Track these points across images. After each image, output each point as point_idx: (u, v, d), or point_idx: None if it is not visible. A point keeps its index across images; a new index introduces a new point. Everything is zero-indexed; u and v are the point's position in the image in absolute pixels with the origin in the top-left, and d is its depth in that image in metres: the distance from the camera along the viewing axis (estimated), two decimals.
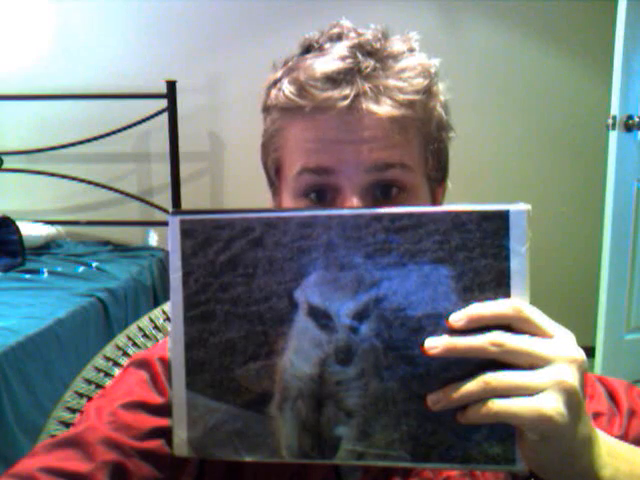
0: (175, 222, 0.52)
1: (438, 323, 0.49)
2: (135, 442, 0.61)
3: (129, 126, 3.06)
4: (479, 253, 0.49)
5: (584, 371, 0.49)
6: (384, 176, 0.64)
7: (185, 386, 0.53)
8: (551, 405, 0.46)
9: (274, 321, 0.51)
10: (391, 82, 0.64)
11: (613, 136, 2.52)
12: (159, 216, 3.16)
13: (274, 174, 0.70)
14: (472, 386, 0.48)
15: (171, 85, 2.97)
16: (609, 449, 0.52)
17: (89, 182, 3.13)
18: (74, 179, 3.12)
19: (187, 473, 0.64)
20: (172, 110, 2.98)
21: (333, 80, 0.63)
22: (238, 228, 0.51)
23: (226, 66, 3.13)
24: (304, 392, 0.51)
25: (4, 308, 2.17)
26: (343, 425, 0.51)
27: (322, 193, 0.65)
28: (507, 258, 0.49)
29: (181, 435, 0.53)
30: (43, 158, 3.13)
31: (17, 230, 2.71)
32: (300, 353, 0.50)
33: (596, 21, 2.97)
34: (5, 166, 3.07)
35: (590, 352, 2.61)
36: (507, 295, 0.49)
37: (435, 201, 0.70)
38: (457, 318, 0.48)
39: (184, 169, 3.10)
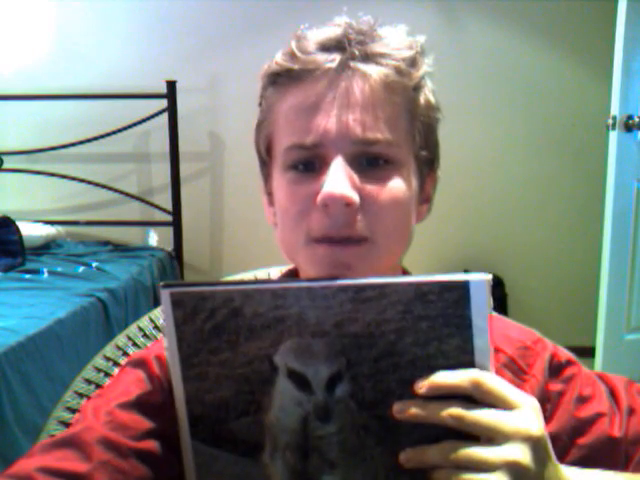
0: (166, 294, 0.55)
1: (405, 387, 0.52)
2: (132, 442, 0.61)
3: (129, 126, 3.06)
4: (441, 323, 0.51)
5: (541, 446, 0.52)
6: (371, 149, 0.64)
7: (189, 436, 0.58)
8: None
9: (258, 382, 0.55)
10: (379, 49, 0.65)
11: (613, 136, 2.52)
12: (159, 216, 3.16)
13: (265, 152, 0.71)
14: (435, 453, 0.51)
15: (171, 85, 2.97)
16: None
17: (89, 182, 3.13)
18: (74, 179, 3.12)
19: (183, 473, 0.64)
20: (172, 110, 2.98)
21: (323, 46, 0.65)
22: (219, 299, 0.54)
23: (226, 66, 3.13)
24: (291, 444, 0.56)
25: (4, 308, 2.17)
26: (328, 474, 0.55)
27: (310, 164, 0.65)
28: (469, 326, 0.51)
29: (190, 475, 0.59)
30: (43, 158, 3.13)
31: (17, 230, 2.71)
32: (283, 410, 0.55)
33: (596, 21, 2.97)
34: (5, 166, 3.07)
35: (590, 352, 2.61)
36: (471, 362, 0.52)
37: (424, 188, 0.71)
38: (420, 386, 0.52)
39: (184, 169, 3.10)
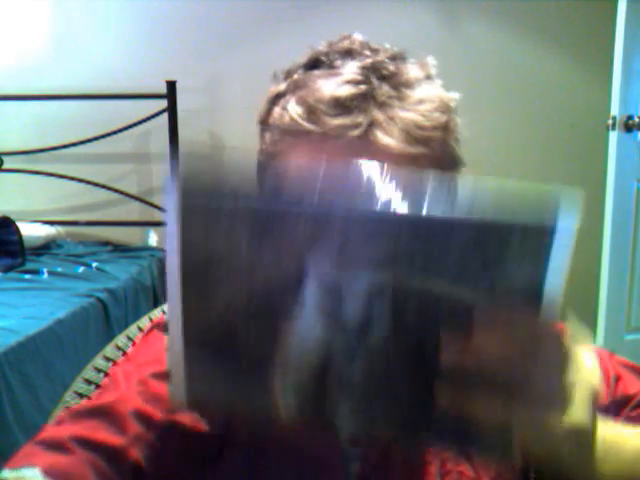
0: (174, 170, 0.47)
1: (457, 316, 0.46)
2: (165, 415, 0.60)
3: (129, 126, 3.05)
4: (515, 267, 0.46)
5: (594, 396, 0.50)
6: None
7: (182, 342, 0.49)
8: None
9: (282, 287, 0.47)
10: (407, 114, 0.59)
11: (613, 136, 2.52)
12: (159, 216, 3.16)
13: None
14: (484, 406, 0.46)
15: (171, 85, 2.96)
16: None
17: (89, 182, 3.13)
18: (74, 179, 3.12)
19: (211, 445, 0.63)
20: (172, 110, 2.98)
21: (345, 106, 0.58)
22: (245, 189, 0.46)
23: (226, 66, 3.13)
24: (307, 362, 0.48)
25: (4, 308, 2.17)
26: (345, 391, 0.48)
27: None
28: (545, 266, 0.46)
29: (178, 385, 0.50)
30: (43, 158, 3.13)
31: (17, 230, 2.71)
32: (306, 321, 0.47)
33: (596, 21, 2.97)
34: (5, 166, 3.07)
35: None
36: (537, 311, 0.46)
37: None
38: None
39: None
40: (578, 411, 0.48)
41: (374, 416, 0.49)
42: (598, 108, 2.84)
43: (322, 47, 0.65)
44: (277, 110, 0.63)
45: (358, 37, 0.65)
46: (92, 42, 3.16)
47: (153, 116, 3.02)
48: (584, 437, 0.48)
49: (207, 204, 0.47)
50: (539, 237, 0.45)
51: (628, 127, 2.51)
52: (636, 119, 2.51)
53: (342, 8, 2.96)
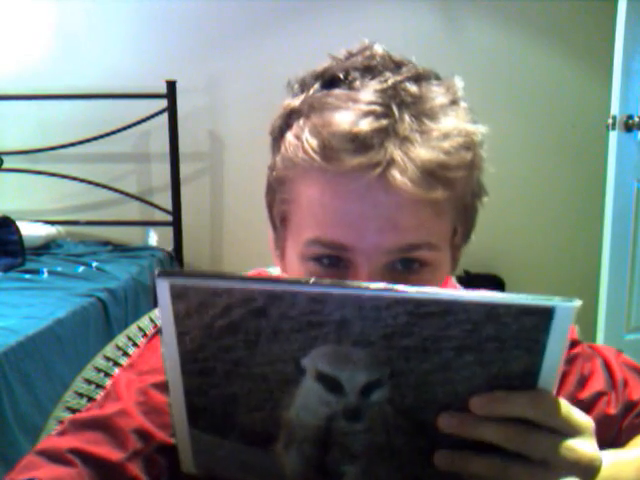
0: (164, 286, 0.46)
1: (453, 400, 0.47)
2: (165, 432, 0.60)
3: (129, 126, 3.05)
4: (512, 345, 0.45)
5: (593, 475, 0.49)
6: (407, 255, 0.57)
7: (187, 424, 0.51)
8: None
9: (278, 382, 0.48)
10: (430, 154, 0.54)
11: (613, 136, 2.52)
12: (159, 216, 3.16)
13: (280, 222, 0.63)
14: (484, 465, 0.47)
15: (171, 85, 2.96)
16: None
17: (89, 182, 3.13)
18: (74, 179, 3.12)
19: None
20: (172, 110, 2.98)
21: (363, 143, 0.54)
22: (237, 297, 0.46)
23: (226, 66, 3.12)
24: (310, 438, 0.50)
25: (4, 308, 2.17)
26: (348, 464, 0.50)
27: (335, 261, 0.58)
28: (541, 352, 0.45)
29: (187, 457, 0.53)
30: (43, 158, 3.13)
31: (17, 230, 2.70)
32: (307, 409, 0.48)
33: (596, 21, 2.97)
34: (5, 166, 3.07)
35: None
36: (533, 386, 0.47)
37: (454, 259, 0.64)
38: (479, 405, 0.46)
39: (184, 169, 3.10)
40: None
41: (378, 477, 0.51)
42: (598, 108, 2.84)
43: (340, 58, 0.61)
44: (290, 137, 0.59)
45: (379, 50, 0.61)
46: (92, 42, 3.16)
47: (153, 116, 3.02)
48: None
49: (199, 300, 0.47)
50: (537, 319, 0.44)
51: (628, 127, 2.51)
52: (636, 119, 2.50)
53: (342, 8, 2.96)
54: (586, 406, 0.68)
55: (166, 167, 3.05)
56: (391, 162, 0.54)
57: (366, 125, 0.54)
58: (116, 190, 3.15)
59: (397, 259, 0.57)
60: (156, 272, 0.46)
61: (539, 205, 3.15)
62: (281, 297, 0.45)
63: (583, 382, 0.70)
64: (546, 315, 0.44)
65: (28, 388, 1.93)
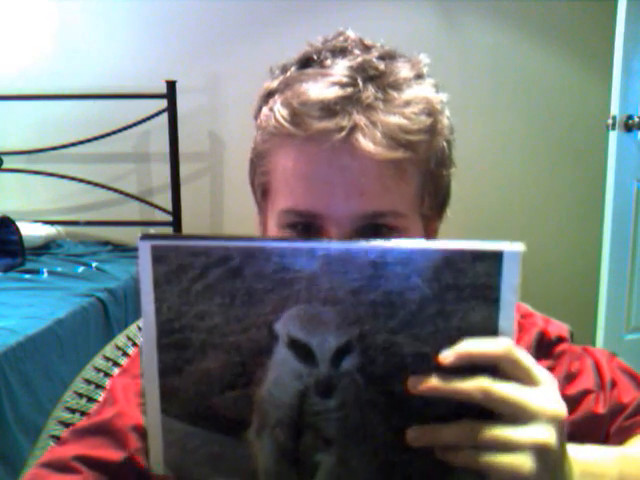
0: (146, 247, 0.48)
1: (423, 361, 0.48)
2: None
3: (129, 126, 3.05)
4: (469, 293, 0.48)
5: (564, 427, 0.49)
6: (374, 221, 0.61)
7: (160, 411, 0.51)
8: (528, 466, 0.46)
9: (252, 352, 0.49)
10: (391, 118, 0.59)
11: (613, 136, 2.52)
12: (159, 216, 3.16)
13: (260, 196, 0.68)
14: (453, 432, 0.48)
15: (171, 85, 2.96)
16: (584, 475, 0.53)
17: (89, 182, 3.13)
18: (74, 179, 3.12)
19: None
20: (172, 110, 2.98)
21: (329, 109, 0.58)
22: (215, 256, 0.48)
23: (226, 66, 3.13)
24: (283, 421, 0.50)
25: (4, 308, 2.17)
26: (322, 452, 0.50)
27: (307, 228, 0.62)
28: (497, 300, 0.48)
29: (156, 454, 0.52)
30: (43, 158, 3.13)
31: (17, 230, 2.71)
32: (279, 384, 0.49)
33: (596, 21, 2.97)
34: (5, 166, 3.07)
35: None
36: (495, 336, 0.48)
37: (428, 235, 0.67)
38: (446, 355, 0.47)
39: (184, 169, 3.10)
40: (544, 429, 0.47)
41: (353, 467, 0.50)
42: (598, 108, 2.84)
43: (317, 43, 0.66)
44: (265, 110, 0.64)
45: (351, 34, 0.65)
46: (92, 42, 3.16)
47: (153, 116, 3.02)
48: (552, 457, 0.48)
49: (177, 269, 0.48)
50: (488, 264, 0.48)
51: (628, 127, 2.51)
52: (636, 119, 2.51)
53: (342, 9, 2.96)
54: (572, 402, 0.68)
55: (166, 167, 3.05)
56: (355, 127, 0.58)
57: (332, 93, 0.59)
58: (116, 190, 3.15)
59: (365, 225, 0.60)
60: (139, 235, 0.48)
61: (539, 205, 3.15)
62: (255, 255, 0.48)
63: (570, 379, 0.70)
64: (496, 260, 0.47)
65: (28, 388, 1.93)
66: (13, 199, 3.21)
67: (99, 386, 0.88)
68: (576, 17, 3.02)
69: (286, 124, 0.60)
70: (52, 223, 3.08)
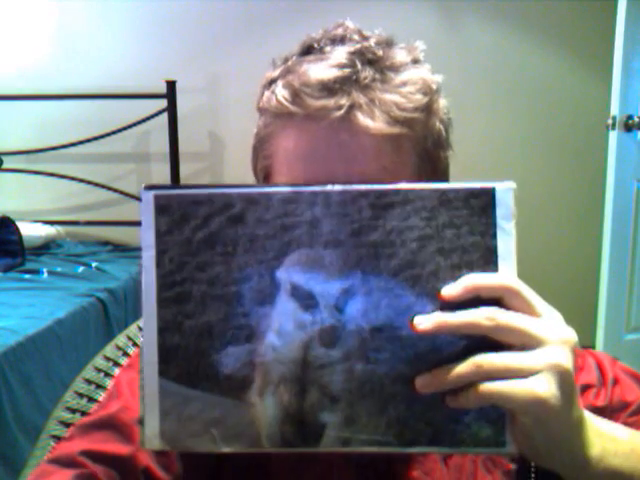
0: (149, 197, 0.49)
1: (427, 301, 0.48)
2: None
3: (129, 126, 3.06)
4: (467, 230, 0.49)
5: (574, 351, 0.49)
6: None
7: (158, 374, 0.49)
8: (545, 388, 0.46)
9: (255, 302, 0.49)
10: (388, 96, 0.61)
11: (613, 136, 2.52)
12: None
13: (263, 181, 0.69)
14: (463, 369, 0.47)
15: (171, 85, 2.97)
16: (596, 429, 0.53)
17: (89, 182, 3.13)
18: (74, 179, 3.12)
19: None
20: (172, 110, 2.98)
21: (328, 88, 0.60)
22: (217, 204, 0.49)
23: (226, 66, 3.13)
24: (287, 376, 0.49)
25: (4, 308, 2.17)
26: (327, 411, 0.49)
27: None
28: (494, 235, 0.49)
29: (152, 426, 0.49)
30: (43, 158, 3.13)
31: (17, 230, 2.71)
32: (282, 335, 0.49)
33: (596, 21, 2.97)
34: (5, 166, 3.07)
35: None
36: (495, 272, 0.49)
37: None
38: (452, 288, 0.48)
39: (184, 169, 3.10)
40: (556, 352, 0.47)
41: (361, 426, 0.49)
42: (598, 108, 2.84)
43: (316, 34, 0.68)
44: (267, 94, 0.65)
45: (350, 24, 0.68)
46: (92, 42, 3.16)
47: (153, 116, 3.02)
48: (567, 380, 0.47)
49: (179, 214, 0.49)
50: (482, 201, 0.49)
51: (628, 127, 2.51)
52: (636, 119, 2.51)
53: (342, 9, 2.96)
54: None
55: (166, 167, 3.05)
56: (354, 105, 0.60)
57: (331, 74, 0.61)
58: (116, 190, 3.15)
59: None
60: (142, 186, 0.49)
61: (539, 205, 3.15)
62: (257, 201, 0.49)
63: None
64: (489, 196, 0.49)
65: (28, 388, 1.93)
66: (13, 199, 3.21)
67: (99, 386, 0.88)
68: (576, 17, 3.02)
69: (286, 103, 0.62)
70: (52, 223, 3.08)
